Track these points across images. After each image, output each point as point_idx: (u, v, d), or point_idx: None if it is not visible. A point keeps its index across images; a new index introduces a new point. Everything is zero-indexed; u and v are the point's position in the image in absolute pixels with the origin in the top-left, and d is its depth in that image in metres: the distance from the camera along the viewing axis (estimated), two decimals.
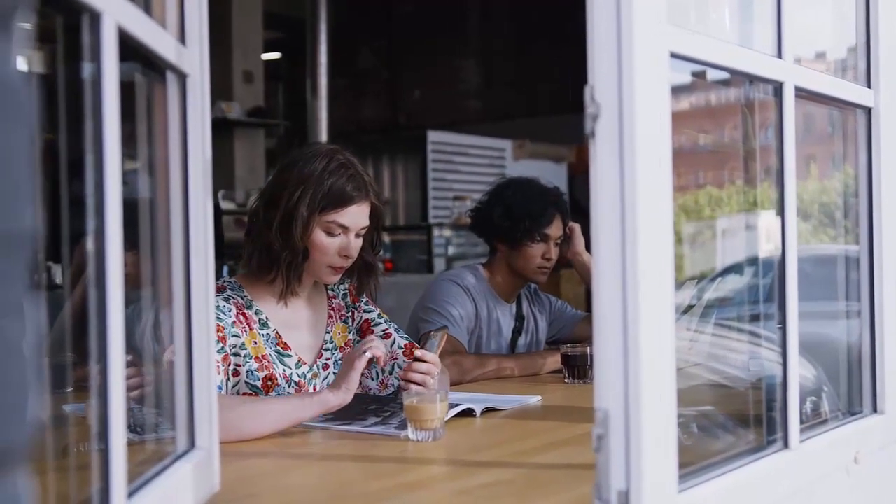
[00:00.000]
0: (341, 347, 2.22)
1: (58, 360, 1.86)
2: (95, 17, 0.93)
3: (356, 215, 2.07)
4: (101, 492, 0.95)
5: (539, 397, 2.26)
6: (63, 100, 1.00)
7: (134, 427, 1.26)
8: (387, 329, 2.26)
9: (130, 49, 1.04)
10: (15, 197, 0.53)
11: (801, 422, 1.46)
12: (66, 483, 1.09)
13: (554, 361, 2.70)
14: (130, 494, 1.01)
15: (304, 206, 2.02)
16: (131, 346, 1.03)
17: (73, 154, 0.97)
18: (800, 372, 1.47)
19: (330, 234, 2.06)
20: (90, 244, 0.94)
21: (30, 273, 0.56)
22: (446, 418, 1.82)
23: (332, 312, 2.24)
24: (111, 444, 0.95)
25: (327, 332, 2.21)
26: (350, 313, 2.27)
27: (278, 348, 2.09)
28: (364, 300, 2.29)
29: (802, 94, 1.49)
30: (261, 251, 2.08)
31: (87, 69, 0.95)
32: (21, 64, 0.58)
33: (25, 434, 0.54)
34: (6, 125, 0.53)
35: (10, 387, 0.52)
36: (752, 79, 1.47)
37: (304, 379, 2.12)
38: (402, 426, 1.82)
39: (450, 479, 1.56)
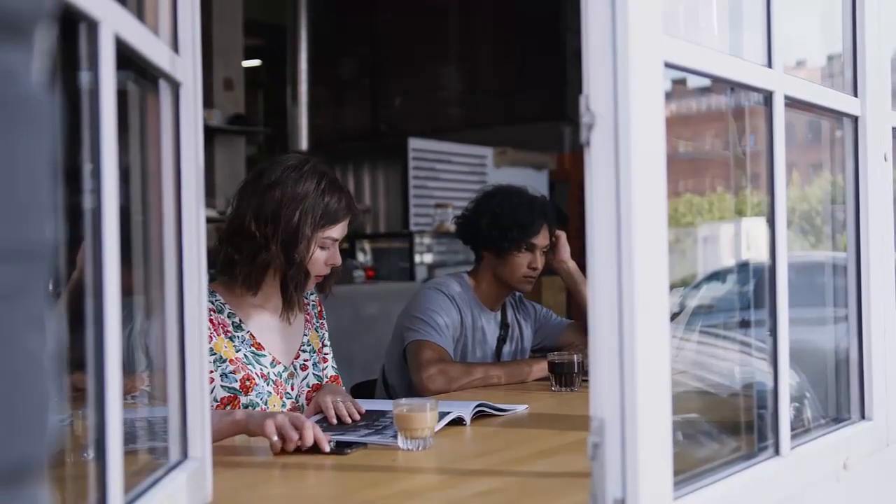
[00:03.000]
0: (317, 351, 2.31)
1: None
2: (93, 26, 0.93)
3: (345, 227, 2.20)
4: (98, 503, 0.94)
5: (526, 406, 2.26)
6: (57, 108, 0.99)
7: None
8: (327, 354, 2.36)
9: (124, 57, 1.04)
10: (37, 210, 0.53)
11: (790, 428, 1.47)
12: (59, 494, 1.08)
13: (540, 369, 2.71)
14: None
15: (307, 226, 2.10)
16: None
17: (66, 162, 0.96)
18: None
19: (323, 248, 2.16)
20: (87, 254, 0.93)
21: (49, 285, 0.55)
22: (437, 428, 1.82)
23: (307, 317, 2.32)
24: (108, 456, 0.94)
25: (305, 335, 2.28)
26: (318, 324, 2.36)
27: (252, 349, 2.15)
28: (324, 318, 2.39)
29: (791, 102, 1.50)
30: (258, 270, 2.11)
31: (83, 77, 0.95)
32: (41, 77, 0.58)
33: (46, 447, 0.54)
34: (30, 138, 0.53)
35: (33, 400, 0.52)
36: (744, 88, 1.48)
37: (281, 378, 2.17)
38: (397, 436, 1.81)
39: (443, 488, 1.55)
